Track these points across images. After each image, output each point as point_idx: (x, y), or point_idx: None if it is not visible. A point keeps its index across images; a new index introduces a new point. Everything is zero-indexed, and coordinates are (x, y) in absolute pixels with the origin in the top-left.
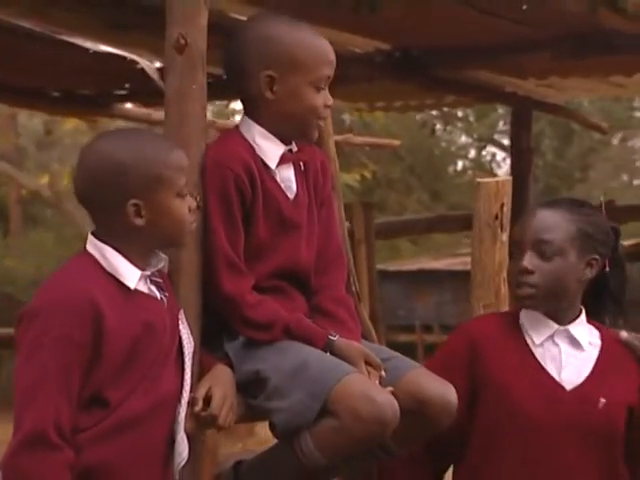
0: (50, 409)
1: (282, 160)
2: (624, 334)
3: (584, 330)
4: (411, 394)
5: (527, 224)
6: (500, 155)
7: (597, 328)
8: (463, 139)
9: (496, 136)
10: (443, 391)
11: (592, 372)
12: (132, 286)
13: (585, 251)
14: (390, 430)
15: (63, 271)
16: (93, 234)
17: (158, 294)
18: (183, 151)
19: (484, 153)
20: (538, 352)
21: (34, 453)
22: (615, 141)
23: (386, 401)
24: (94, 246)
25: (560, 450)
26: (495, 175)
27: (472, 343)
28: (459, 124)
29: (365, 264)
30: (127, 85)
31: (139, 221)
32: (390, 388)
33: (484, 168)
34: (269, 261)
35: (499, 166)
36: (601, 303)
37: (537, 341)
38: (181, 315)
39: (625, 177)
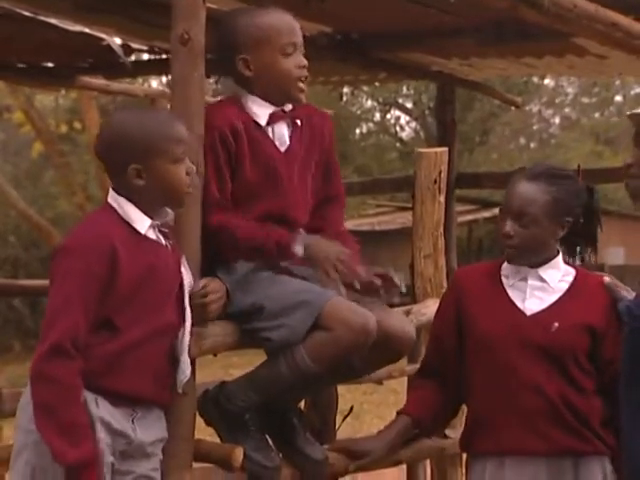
0: (70, 326)
1: (273, 119)
2: (607, 279)
3: (555, 272)
4: (378, 327)
5: (511, 194)
6: (404, 118)
7: (575, 270)
8: (369, 103)
9: (400, 100)
10: (404, 325)
11: (555, 302)
12: (142, 231)
13: (558, 216)
14: (371, 339)
15: (90, 218)
16: (113, 189)
17: (164, 241)
18: (186, 125)
19: (388, 116)
20: (509, 289)
21: (54, 359)
22: (513, 106)
23: (368, 313)
24: (114, 199)
25: (519, 366)
26: (400, 138)
27: (458, 283)
28: (365, 87)
29: None
30: (90, 59)
31: (139, 182)
32: None
33: (389, 131)
34: (258, 204)
35: (403, 129)
36: (574, 245)
37: (511, 282)
38: (183, 260)
39: (522, 140)
